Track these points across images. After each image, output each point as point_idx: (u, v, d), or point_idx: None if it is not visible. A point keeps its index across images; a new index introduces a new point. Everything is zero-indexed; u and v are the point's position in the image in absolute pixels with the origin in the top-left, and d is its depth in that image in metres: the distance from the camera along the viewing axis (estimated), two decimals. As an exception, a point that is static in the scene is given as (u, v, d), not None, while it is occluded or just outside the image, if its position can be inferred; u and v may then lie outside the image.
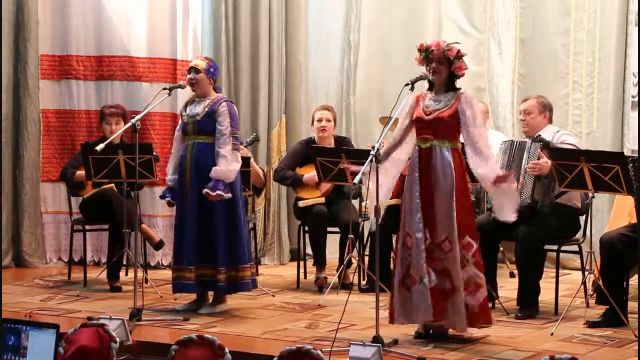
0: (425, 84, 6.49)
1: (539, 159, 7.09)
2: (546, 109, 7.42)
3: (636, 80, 8.94)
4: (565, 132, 7.49)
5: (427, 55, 6.30)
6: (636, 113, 8.84)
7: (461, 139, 6.36)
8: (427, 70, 6.37)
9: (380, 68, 10.15)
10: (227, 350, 5.43)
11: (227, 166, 7.07)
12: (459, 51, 6.29)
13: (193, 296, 7.39)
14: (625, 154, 8.47)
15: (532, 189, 7.12)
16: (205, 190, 7.02)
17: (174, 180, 7.29)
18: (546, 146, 7.09)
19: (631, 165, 6.60)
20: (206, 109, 7.19)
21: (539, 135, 7.28)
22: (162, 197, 7.39)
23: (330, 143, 8.37)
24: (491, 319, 6.40)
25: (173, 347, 5.53)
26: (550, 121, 7.45)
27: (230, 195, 7.08)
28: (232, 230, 7.19)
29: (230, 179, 7.10)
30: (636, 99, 8.96)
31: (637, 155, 7.54)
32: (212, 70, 7.28)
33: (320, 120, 8.37)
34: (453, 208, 6.22)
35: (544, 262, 7.30)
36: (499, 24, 9.64)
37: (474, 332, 6.43)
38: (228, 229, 7.17)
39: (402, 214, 6.40)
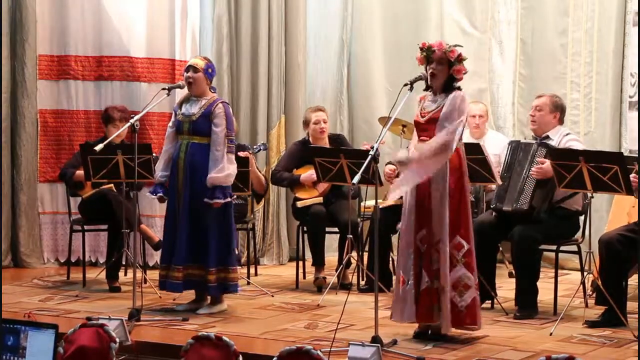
0: (423, 84, 6.49)
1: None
2: (557, 109, 7.35)
3: (634, 80, 8.94)
4: (574, 137, 7.38)
5: (428, 54, 6.31)
6: (634, 113, 8.84)
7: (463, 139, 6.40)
8: (425, 70, 6.37)
9: (380, 68, 10.14)
10: (241, 358, 5.43)
11: (223, 172, 7.08)
12: (460, 54, 6.29)
13: (192, 296, 7.39)
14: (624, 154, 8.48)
15: (532, 195, 7.09)
16: (205, 200, 7.04)
17: (165, 177, 7.29)
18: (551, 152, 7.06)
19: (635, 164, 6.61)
20: (202, 110, 7.19)
21: (547, 137, 7.25)
22: (154, 192, 7.31)
23: (326, 143, 8.37)
24: (478, 321, 6.37)
25: (189, 341, 5.55)
26: (560, 122, 7.38)
27: (230, 199, 7.13)
28: (223, 232, 7.20)
29: (228, 184, 7.13)
30: (634, 99, 8.96)
31: (636, 155, 7.55)
32: (210, 70, 7.28)
33: (317, 123, 8.36)
34: (446, 208, 6.23)
35: (540, 262, 7.29)
36: (500, 24, 9.65)
37: (473, 332, 6.44)
38: (220, 229, 7.18)
39: (402, 214, 6.44)
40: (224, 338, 5.52)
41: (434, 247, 6.26)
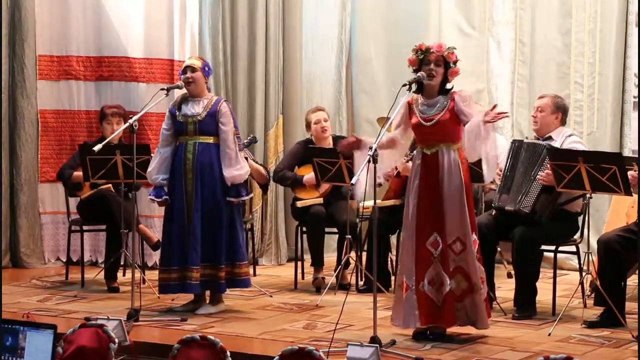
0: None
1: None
2: (559, 110, 7.32)
3: (637, 80, 8.94)
4: (576, 139, 7.36)
5: (424, 56, 6.30)
6: (637, 113, 8.84)
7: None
8: (414, 72, 6.34)
9: (381, 68, 10.14)
10: (228, 353, 5.43)
11: (241, 170, 7.15)
12: (456, 56, 6.31)
13: (190, 296, 7.38)
14: (626, 154, 8.47)
15: (536, 199, 7.06)
16: (229, 199, 7.11)
17: (167, 180, 7.25)
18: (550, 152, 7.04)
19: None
20: (207, 110, 7.19)
21: (550, 137, 7.23)
22: (158, 195, 7.26)
23: (329, 143, 8.38)
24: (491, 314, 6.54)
25: (176, 346, 5.55)
26: (562, 123, 7.35)
27: (252, 195, 7.18)
28: (232, 228, 7.22)
29: (244, 179, 7.20)
30: (637, 99, 8.96)
31: (637, 155, 7.53)
32: (206, 69, 7.31)
33: (318, 122, 8.37)
34: (465, 207, 6.25)
35: (541, 262, 7.29)
36: (498, 25, 9.64)
37: (472, 332, 6.45)
38: (229, 226, 7.21)
39: (403, 218, 6.44)
40: (209, 337, 5.52)
41: (450, 248, 6.26)
